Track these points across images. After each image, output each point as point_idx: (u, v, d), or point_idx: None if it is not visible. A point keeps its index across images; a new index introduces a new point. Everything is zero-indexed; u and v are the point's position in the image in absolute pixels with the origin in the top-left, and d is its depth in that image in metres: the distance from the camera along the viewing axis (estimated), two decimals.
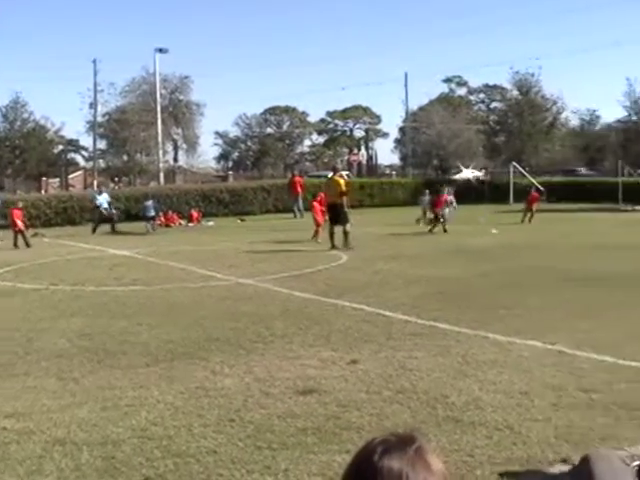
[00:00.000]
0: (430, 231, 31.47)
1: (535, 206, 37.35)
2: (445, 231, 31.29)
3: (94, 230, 35.37)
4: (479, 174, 65.52)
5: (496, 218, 37.34)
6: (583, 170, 76.00)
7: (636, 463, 5.43)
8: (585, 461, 4.19)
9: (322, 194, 29.26)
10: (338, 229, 25.59)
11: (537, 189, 39.73)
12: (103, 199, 37.61)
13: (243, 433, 7.72)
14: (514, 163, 55.16)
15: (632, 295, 15.57)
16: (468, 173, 65.40)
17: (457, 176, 64.19)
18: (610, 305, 14.50)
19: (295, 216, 42.35)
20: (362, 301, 15.26)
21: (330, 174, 28.36)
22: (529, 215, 36.36)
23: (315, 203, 29.65)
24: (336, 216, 25.85)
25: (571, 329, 12.28)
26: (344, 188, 26.16)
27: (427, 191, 39.79)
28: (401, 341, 11.68)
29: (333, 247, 25.06)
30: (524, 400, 8.58)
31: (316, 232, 28.06)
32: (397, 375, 9.73)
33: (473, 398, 8.68)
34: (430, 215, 36.16)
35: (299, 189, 44.14)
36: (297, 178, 46.60)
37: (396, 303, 14.96)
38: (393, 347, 11.27)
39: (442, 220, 31.92)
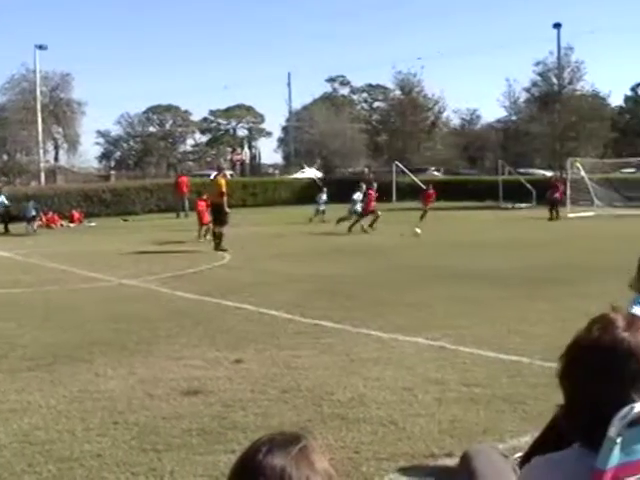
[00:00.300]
0: (355, 230, 31.34)
1: (430, 204, 37.78)
2: (365, 230, 31.30)
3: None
4: (319, 174, 66.49)
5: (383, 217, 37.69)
6: (433, 169, 77.00)
7: (518, 455, 5.56)
8: (465, 457, 4.27)
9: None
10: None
11: (428, 188, 39.96)
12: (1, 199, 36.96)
13: (128, 435, 7.63)
14: (396, 162, 55.76)
15: (511, 291, 15.90)
16: (310, 173, 66.31)
17: (299, 175, 65.13)
18: (490, 301, 14.77)
19: (178, 216, 42.11)
20: (246, 300, 15.25)
21: (213, 173, 28.24)
22: (422, 213, 36.53)
23: (201, 202, 29.51)
24: (217, 216, 25.72)
25: (453, 325, 12.47)
26: (224, 188, 26.01)
27: (325, 189, 40.02)
28: (285, 340, 11.70)
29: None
30: (408, 396, 8.66)
31: (201, 231, 27.97)
32: (282, 374, 9.74)
33: (358, 395, 8.73)
34: (319, 213, 36.48)
35: (184, 189, 43.91)
36: (182, 178, 46.34)
37: (280, 302, 14.98)
38: (277, 346, 11.28)
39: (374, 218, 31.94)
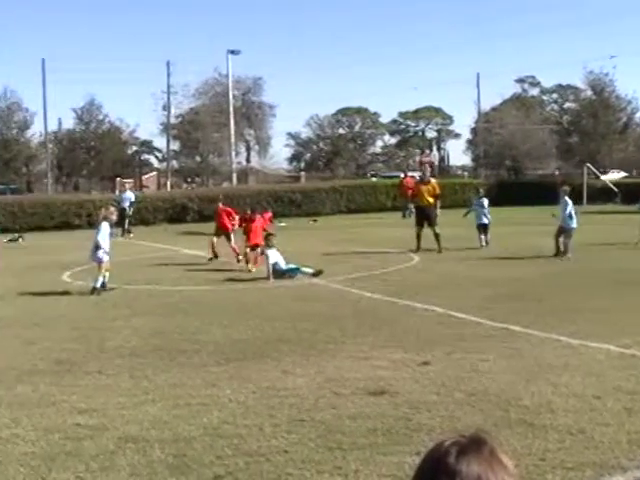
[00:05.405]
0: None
1: None
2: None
3: (128, 232, 35.70)
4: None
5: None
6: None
7: None
8: None
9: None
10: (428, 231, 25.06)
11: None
12: (127, 198, 37.76)
13: (314, 433, 7.73)
14: (588, 164, 54.54)
15: None
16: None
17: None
18: None
19: (404, 216, 40.90)
20: (434, 302, 15.17)
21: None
22: None
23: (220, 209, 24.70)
24: (426, 218, 25.52)
25: None
26: (438, 191, 25.70)
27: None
28: (473, 343, 11.61)
29: (419, 249, 24.71)
30: (597, 404, 8.47)
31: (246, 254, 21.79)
32: (469, 377, 9.67)
33: (545, 401, 8.59)
34: None
35: (409, 190, 43.60)
36: (407, 180, 44.73)
37: (468, 304, 14.87)
38: (465, 349, 11.20)
39: None
